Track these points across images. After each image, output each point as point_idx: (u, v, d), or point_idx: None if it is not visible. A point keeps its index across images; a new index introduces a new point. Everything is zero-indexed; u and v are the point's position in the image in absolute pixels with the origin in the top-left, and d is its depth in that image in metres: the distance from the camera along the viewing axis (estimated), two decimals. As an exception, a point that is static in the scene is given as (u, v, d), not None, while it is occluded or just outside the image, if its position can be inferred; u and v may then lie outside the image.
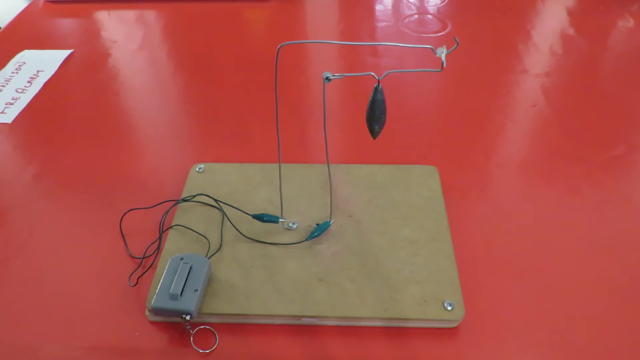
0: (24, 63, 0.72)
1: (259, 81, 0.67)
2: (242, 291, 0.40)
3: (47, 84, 0.68)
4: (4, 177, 0.54)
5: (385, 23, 0.79)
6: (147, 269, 0.44)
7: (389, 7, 0.84)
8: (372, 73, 0.32)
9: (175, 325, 0.40)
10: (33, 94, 0.66)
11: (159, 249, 0.45)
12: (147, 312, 0.40)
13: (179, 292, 0.38)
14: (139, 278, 0.43)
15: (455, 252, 0.43)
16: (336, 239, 0.44)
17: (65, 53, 0.73)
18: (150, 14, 0.83)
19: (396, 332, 0.39)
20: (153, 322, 0.40)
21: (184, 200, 0.48)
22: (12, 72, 0.70)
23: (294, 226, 0.45)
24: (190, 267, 0.40)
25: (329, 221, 0.45)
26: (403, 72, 0.36)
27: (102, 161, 0.55)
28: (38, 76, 0.69)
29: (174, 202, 0.48)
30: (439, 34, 0.77)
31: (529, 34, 0.75)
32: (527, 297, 0.41)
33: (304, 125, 0.60)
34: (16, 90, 0.67)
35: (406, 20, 0.80)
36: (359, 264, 0.42)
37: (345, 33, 0.78)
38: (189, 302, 0.38)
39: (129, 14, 0.83)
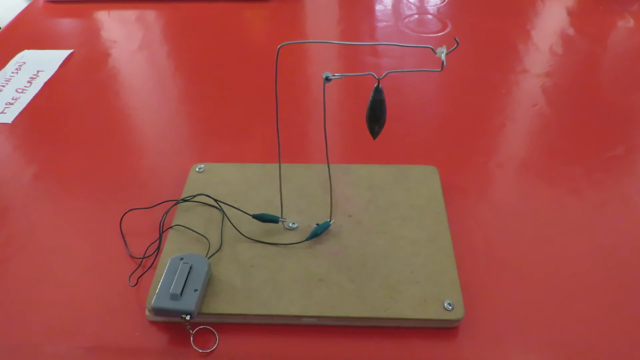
0: (24, 63, 0.72)
1: (259, 81, 0.67)
2: (242, 291, 0.40)
3: (47, 84, 0.68)
4: (4, 177, 0.54)
5: (385, 23, 0.79)
6: (147, 269, 0.44)
7: (389, 7, 0.84)
8: (372, 73, 0.32)
9: (175, 325, 0.40)
10: (33, 94, 0.66)
11: (159, 249, 0.45)
12: (147, 312, 0.40)
13: (179, 292, 0.38)
14: (139, 278, 0.43)
15: (455, 252, 0.43)
16: (336, 239, 0.44)
17: (65, 53, 0.73)
18: (150, 14, 0.83)
19: (396, 332, 0.39)
20: (153, 322, 0.40)
21: (184, 200, 0.48)
22: (12, 72, 0.70)
23: (294, 226, 0.45)
24: (190, 267, 0.40)
25: (329, 221, 0.45)
26: (403, 72, 0.36)
27: (102, 161, 0.55)
28: (38, 76, 0.69)
29: (174, 202, 0.48)
30: (439, 34, 0.77)
31: (529, 34, 0.75)
32: (527, 297, 0.41)
33: (304, 125, 0.60)
34: (16, 90, 0.67)
35: (406, 20, 0.80)
36: (359, 264, 0.42)
37: (345, 33, 0.78)
38: (189, 302, 0.38)
39: (129, 14, 0.83)
